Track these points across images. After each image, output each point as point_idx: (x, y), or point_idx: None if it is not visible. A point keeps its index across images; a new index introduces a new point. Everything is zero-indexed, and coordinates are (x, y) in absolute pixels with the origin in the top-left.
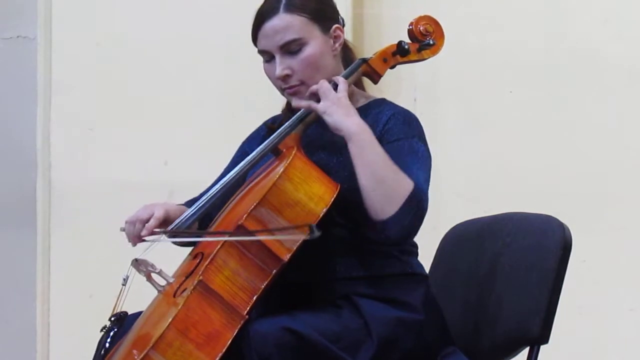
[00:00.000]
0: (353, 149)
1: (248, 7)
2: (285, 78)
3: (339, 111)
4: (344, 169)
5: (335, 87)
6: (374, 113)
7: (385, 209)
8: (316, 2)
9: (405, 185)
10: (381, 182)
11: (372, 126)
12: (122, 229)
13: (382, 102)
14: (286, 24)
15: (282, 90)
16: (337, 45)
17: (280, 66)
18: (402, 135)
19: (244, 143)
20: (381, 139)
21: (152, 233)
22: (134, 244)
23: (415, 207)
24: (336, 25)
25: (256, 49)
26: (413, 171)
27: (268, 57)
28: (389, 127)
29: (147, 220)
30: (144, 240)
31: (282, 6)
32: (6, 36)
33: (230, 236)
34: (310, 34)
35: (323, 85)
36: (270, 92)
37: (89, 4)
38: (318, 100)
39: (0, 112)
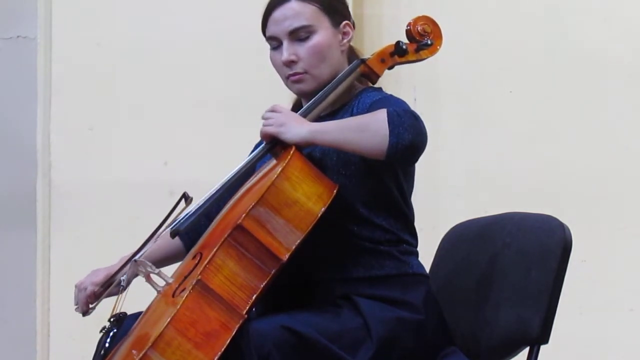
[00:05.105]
0: (323, 139)
1: (248, 8)
2: (290, 64)
3: (291, 122)
4: (342, 169)
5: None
6: (363, 97)
7: (380, 138)
8: None
9: (381, 114)
10: (362, 129)
11: (357, 107)
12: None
13: (374, 89)
14: (297, 10)
15: (287, 79)
16: (345, 41)
17: (287, 51)
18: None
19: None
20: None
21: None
22: (84, 312)
23: (399, 121)
24: (346, 21)
25: (256, 49)
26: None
27: (276, 43)
28: (373, 108)
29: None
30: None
31: None
32: (6, 36)
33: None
34: (320, 24)
35: (266, 115)
36: (270, 92)
37: (89, 4)
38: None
39: (0, 112)
